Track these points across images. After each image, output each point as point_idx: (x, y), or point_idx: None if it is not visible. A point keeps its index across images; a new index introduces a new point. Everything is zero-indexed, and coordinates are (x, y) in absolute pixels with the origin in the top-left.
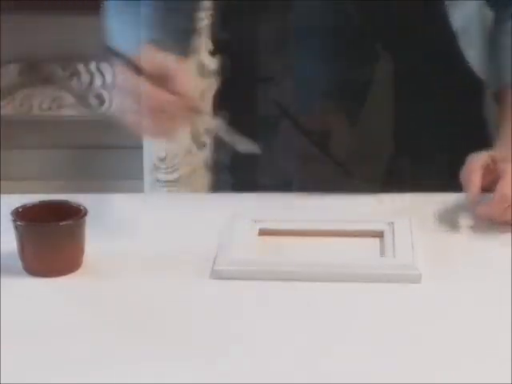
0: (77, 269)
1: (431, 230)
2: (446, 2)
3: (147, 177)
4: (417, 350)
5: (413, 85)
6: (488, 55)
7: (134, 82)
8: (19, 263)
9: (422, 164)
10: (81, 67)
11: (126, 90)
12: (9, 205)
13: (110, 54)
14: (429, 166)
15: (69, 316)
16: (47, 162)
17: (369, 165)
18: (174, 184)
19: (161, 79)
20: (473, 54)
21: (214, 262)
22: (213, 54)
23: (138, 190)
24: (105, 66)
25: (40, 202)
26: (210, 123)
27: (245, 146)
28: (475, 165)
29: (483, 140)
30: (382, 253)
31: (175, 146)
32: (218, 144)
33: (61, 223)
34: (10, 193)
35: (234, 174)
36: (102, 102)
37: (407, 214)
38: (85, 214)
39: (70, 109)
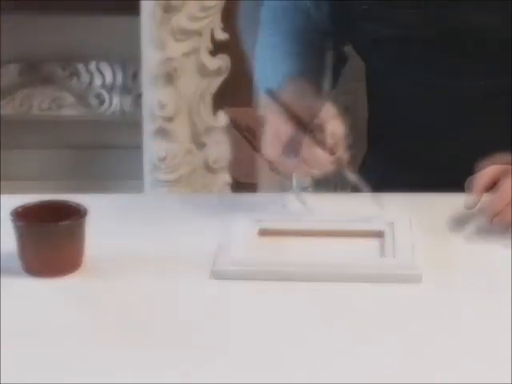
0: (77, 269)
1: (431, 230)
2: None
3: (147, 177)
4: (417, 350)
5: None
6: None
7: (288, 132)
8: (19, 263)
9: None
10: (81, 67)
11: (279, 140)
12: (9, 205)
13: (269, 98)
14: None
15: (69, 316)
16: (47, 162)
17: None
18: (174, 184)
19: (313, 127)
20: None
21: (214, 262)
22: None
23: (138, 189)
24: (105, 66)
25: (40, 201)
26: (351, 177)
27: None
28: (486, 171)
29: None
30: (382, 253)
31: (175, 146)
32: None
33: (61, 223)
34: (9, 193)
35: None
36: (101, 101)
37: (407, 214)
38: (85, 213)
39: (70, 109)
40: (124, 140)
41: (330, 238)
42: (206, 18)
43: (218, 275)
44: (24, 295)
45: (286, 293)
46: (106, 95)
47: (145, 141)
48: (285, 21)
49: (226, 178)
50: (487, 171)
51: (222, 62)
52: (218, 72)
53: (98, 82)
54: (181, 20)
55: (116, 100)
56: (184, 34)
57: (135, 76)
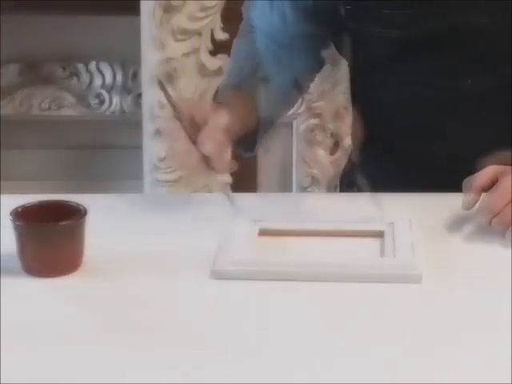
0: (77, 269)
1: (431, 230)
2: None
3: (147, 177)
4: (417, 350)
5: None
6: None
7: (175, 127)
8: (19, 263)
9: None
10: (81, 67)
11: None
12: (9, 205)
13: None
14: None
15: (69, 316)
16: (47, 162)
17: None
18: (173, 184)
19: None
20: None
21: (214, 262)
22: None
23: (138, 189)
24: (105, 66)
25: (40, 201)
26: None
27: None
28: (485, 171)
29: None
30: (382, 253)
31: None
32: None
33: (60, 223)
34: (9, 193)
35: None
36: (101, 101)
37: (407, 214)
38: (85, 214)
39: (69, 109)
40: (124, 140)
41: (330, 238)
42: (205, 17)
43: (217, 275)
44: (24, 295)
45: (286, 293)
46: (105, 95)
47: (145, 141)
48: (262, 20)
49: (226, 178)
50: (486, 171)
51: (222, 62)
52: (218, 72)
53: (97, 82)
54: (181, 20)
55: (116, 100)
56: (184, 34)
57: (135, 76)
